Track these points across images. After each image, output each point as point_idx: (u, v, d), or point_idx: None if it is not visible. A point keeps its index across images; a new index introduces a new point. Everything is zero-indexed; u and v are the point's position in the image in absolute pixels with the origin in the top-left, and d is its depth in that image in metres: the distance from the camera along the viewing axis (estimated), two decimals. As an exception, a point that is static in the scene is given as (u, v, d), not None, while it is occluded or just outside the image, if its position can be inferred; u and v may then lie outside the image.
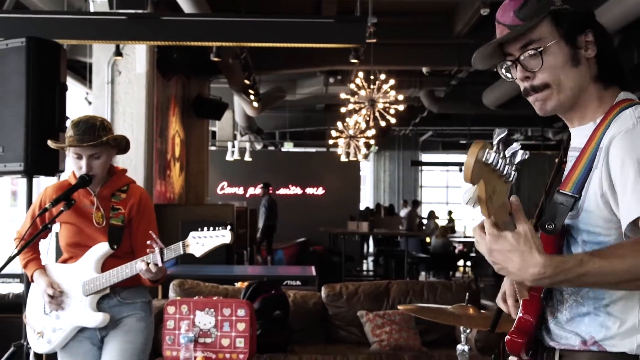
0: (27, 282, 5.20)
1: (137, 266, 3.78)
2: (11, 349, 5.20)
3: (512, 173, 1.73)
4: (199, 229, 3.75)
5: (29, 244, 3.93)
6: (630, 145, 1.92)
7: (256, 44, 8.78)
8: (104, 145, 3.92)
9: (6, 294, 6.34)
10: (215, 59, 10.87)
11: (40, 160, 5.12)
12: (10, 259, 3.73)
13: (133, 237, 4.03)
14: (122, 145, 4.06)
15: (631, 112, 2.01)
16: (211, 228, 3.74)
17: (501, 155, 1.69)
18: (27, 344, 4.91)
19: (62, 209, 3.80)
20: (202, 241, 3.73)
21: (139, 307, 4.06)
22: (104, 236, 3.96)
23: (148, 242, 3.75)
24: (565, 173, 2.10)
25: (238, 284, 6.97)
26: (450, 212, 24.70)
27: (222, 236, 3.73)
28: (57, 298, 3.96)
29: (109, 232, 3.95)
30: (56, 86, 5.19)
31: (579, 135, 2.13)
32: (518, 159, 1.73)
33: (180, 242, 3.74)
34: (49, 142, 4.10)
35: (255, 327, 5.47)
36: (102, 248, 3.95)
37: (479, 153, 1.66)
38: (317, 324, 6.72)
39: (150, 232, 3.79)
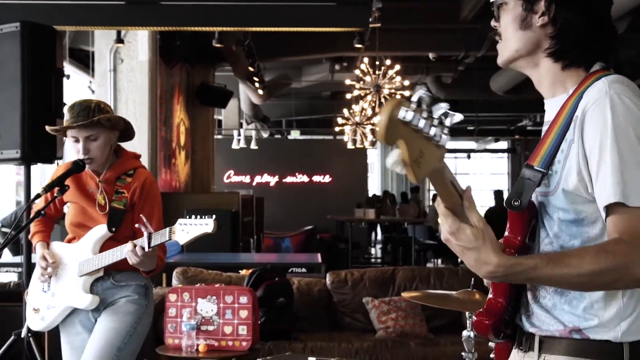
0: (28, 264, 5.17)
1: (125, 249, 3.72)
2: (12, 338, 5.13)
3: (442, 135, 1.59)
4: (187, 217, 3.68)
5: (21, 232, 3.85)
6: (601, 116, 1.84)
7: (256, 29, 8.71)
8: (100, 126, 3.84)
9: (7, 283, 6.27)
10: (217, 45, 10.76)
11: (37, 147, 5.03)
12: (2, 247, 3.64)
13: (135, 221, 3.91)
14: (120, 126, 3.99)
15: (604, 81, 1.91)
16: (198, 217, 3.67)
17: (425, 115, 1.55)
18: (28, 332, 4.85)
19: (55, 195, 3.72)
20: (187, 229, 3.65)
21: (132, 289, 3.96)
22: (104, 218, 3.91)
23: (136, 226, 3.71)
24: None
25: (242, 272, 6.89)
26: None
27: (205, 224, 3.64)
28: (49, 270, 3.94)
29: (110, 215, 3.91)
30: (52, 72, 5.09)
31: (551, 107, 2.06)
32: (450, 121, 1.59)
33: (167, 228, 3.68)
34: (47, 128, 4.02)
35: (258, 315, 5.40)
36: (100, 230, 3.91)
37: (394, 110, 1.53)
38: (322, 311, 6.64)
39: (140, 215, 3.73)
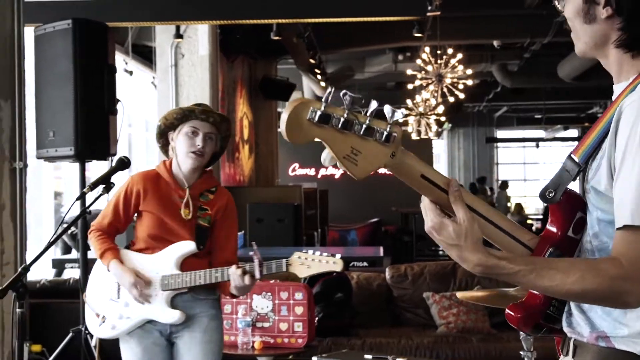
0: (84, 264, 5.18)
1: (230, 271, 3.59)
2: (69, 335, 5.16)
3: (385, 132, 1.63)
4: (304, 250, 3.56)
5: (64, 233, 3.77)
6: (631, 120, 1.70)
7: (314, 20, 8.62)
8: (221, 129, 3.91)
9: (66, 280, 6.32)
10: (276, 38, 10.71)
11: (91, 144, 5.06)
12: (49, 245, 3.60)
13: (214, 239, 3.89)
14: (224, 142, 4.00)
15: None
16: (317, 252, 3.54)
17: (346, 115, 1.59)
18: (86, 329, 4.86)
19: (100, 193, 3.67)
20: (309, 263, 3.51)
21: (211, 304, 3.92)
22: (187, 233, 3.83)
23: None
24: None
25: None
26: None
27: (333, 263, 3.49)
28: (143, 296, 3.81)
29: (197, 232, 3.84)
30: (104, 68, 5.10)
31: (615, 93, 1.90)
32: (392, 117, 1.64)
33: (284, 260, 3.54)
34: (173, 109, 3.95)
35: (313, 311, 5.32)
36: (188, 246, 3.81)
37: (297, 111, 1.57)
38: (382, 306, 6.55)
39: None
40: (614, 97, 1.88)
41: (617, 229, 1.70)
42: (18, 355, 3.16)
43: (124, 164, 3.74)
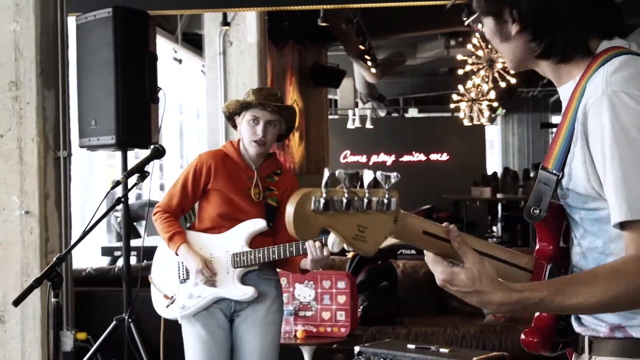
0: (127, 252, 5.19)
1: (309, 244, 3.62)
2: (113, 323, 5.18)
3: (385, 200, 1.55)
4: None
5: (100, 221, 3.78)
6: (600, 121, 1.66)
7: (361, 5, 8.52)
8: (284, 115, 3.91)
9: (112, 267, 6.34)
10: (323, 24, 10.63)
11: (132, 133, 5.04)
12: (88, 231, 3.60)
13: (279, 220, 3.93)
14: (290, 124, 4.01)
15: (603, 74, 1.71)
16: None
17: (347, 194, 1.51)
18: (129, 317, 4.87)
19: (135, 181, 3.67)
20: None
21: (275, 284, 4.02)
22: (256, 212, 3.90)
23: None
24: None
25: (349, 254, 6.76)
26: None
27: None
28: (210, 281, 3.88)
29: (266, 211, 3.92)
30: (145, 56, 5.07)
31: (563, 96, 1.86)
32: (388, 184, 1.55)
33: None
34: (231, 100, 4.00)
35: (356, 300, 5.27)
36: (258, 224, 3.89)
37: (302, 205, 1.49)
38: (428, 295, 6.46)
39: None
40: (562, 98, 1.85)
41: (622, 229, 1.66)
42: (54, 345, 3.17)
43: (159, 152, 3.74)
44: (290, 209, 1.50)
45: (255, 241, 3.87)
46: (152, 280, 4.11)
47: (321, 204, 1.49)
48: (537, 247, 1.86)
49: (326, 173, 1.50)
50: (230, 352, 3.95)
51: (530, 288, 1.68)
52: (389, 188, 1.55)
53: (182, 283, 3.97)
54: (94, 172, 11.53)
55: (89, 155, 8.96)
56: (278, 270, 4.05)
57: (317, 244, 3.58)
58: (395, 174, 1.53)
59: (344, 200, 1.51)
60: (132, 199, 10.17)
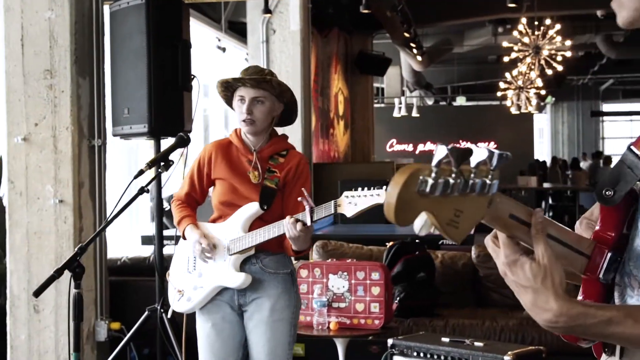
0: (160, 241, 5.17)
1: (284, 222, 3.55)
2: (145, 314, 5.16)
3: (487, 182, 1.33)
4: (353, 189, 3.46)
5: (122, 211, 3.75)
6: None
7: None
8: (269, 90, 3.74)
9: (146, 257, 6.29)
10: (365, 11, 10.53)
11: (165, 121, 4.99)
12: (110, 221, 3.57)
13: (285, 203, 3.83)
14: (286, 98, 3.85)
15: None
16: (366, 188, 3.43)
17: (454, 174, 1.28)
18: (161, 307, 4.85)
19: (159, 171, 3.63)
20: (355, 200, 3.43)
21: (281, 279, 3.84)
22: (256, 196, 3.79)
23: (299, 199, 3.53)
24: None
25: (389, 244, 6.66)
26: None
27: (377, 195, 3.37)
28: (207, 251, 3.79)
29: (261, 193, 3.78)
30: (179, 44, 5.02)
31: None
32: (494, 164, 1.32)
33: (332, 201, 3.49)
34: (218, 80, 3.88)
35: (391, 292, 5.17)
36: (251, 208, 3.77)
37: (408, 186, 1.26)
38: (466, 287, 6.34)
39: (302, 189, 3.57)
40: None
41: None
42: (75, 336, 3.14)
43: (184, 141, 3.69)
44: (394, 191, 1.27)
45: (255, 226, 3.75)
46: (168, 275, 4.09)
47: (429, 186, 1.28)
48: (596, 230, 1.62)
49: (442, 150, 1.29)
50: (240, 347, 3.87)
51: (596, 305, 1.48)
52: (495, 168, 1.35)
53: (189, 273, 3.92)
54: (139, 160, 11.57)
55: (135, 143, 8.97)
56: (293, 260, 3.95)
57: (291, 219, 3.48)
58: (507, 153, 1.34)
59: (451, 182, 1.30)
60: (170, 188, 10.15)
